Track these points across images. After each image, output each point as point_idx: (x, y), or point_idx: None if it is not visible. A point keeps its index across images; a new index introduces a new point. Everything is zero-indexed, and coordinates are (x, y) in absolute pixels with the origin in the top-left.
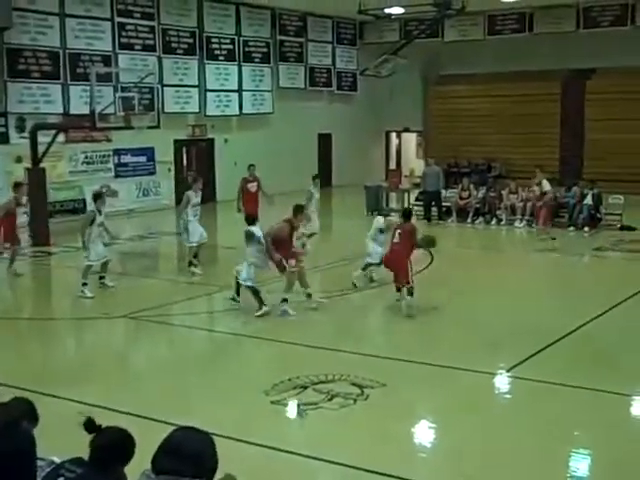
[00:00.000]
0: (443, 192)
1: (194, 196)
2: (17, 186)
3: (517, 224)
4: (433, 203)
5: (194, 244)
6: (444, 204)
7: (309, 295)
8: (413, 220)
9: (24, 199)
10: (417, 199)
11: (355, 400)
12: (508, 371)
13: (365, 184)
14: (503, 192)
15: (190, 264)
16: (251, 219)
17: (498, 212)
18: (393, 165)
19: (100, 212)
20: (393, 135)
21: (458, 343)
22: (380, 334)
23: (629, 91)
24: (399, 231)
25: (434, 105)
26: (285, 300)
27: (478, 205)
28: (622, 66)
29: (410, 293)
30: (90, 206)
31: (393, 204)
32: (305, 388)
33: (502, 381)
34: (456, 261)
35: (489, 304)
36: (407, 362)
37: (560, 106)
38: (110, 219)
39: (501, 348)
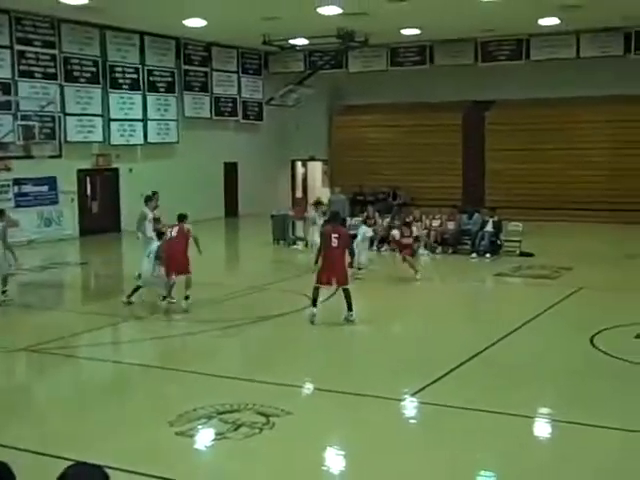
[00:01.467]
0: (348, 220)
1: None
2: None
3: (421, 251)
4: None
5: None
6: (349, 232)
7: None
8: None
9: None
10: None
11: (261, 429)
12: (412, 396)
13: (271, 213)
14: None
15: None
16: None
17: None
18: (299, 194)
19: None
20: (299, 164)
21: (363, 370)
22: (288, 361)
23: (526, 122)
24: (336, 235)
25: (339, 134)
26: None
27: (383, 233)
28: (519, 98)
29: (349, 302)
30: None
31: (299, 232)
32: (210, 418)
33: (407, 406)
34: (362, 289)
35: (394, 330)
36: (314, 390)
37: (461, 136)
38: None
39: (406, 373)
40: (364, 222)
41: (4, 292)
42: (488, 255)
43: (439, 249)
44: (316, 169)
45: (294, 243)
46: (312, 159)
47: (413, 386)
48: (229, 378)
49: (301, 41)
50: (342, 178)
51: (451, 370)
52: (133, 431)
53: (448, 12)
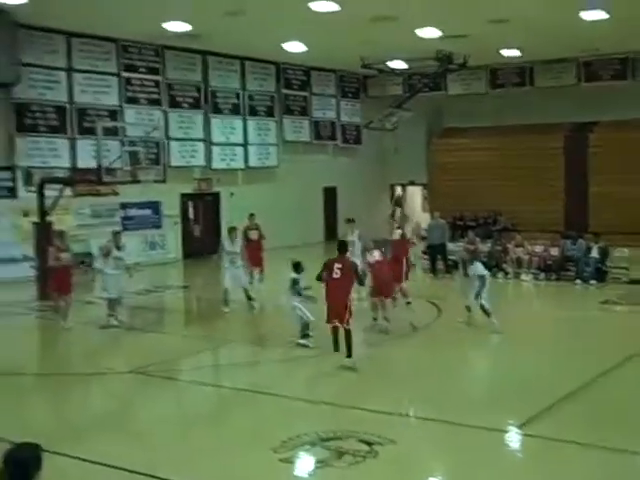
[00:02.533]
0: (449, 245)
1: (229, 244)
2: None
3: (523, 277)
4: (439, 256)
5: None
6: (450, 257)
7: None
8: (419, 272)
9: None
10: (423, 252)
11: (364, 457)
12: (518, 427)
13: (372, 238)
14: (509, 245)
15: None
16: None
17: (504, 265)
18: None
19: (119, 248)
20: (398, 188)
21: (464, 397)
22: (388, 388)
23: (631, 144)
24: (339, 266)
25: (438, 158)
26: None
27: (485, 258)
28: (624, 119)
29: (349, 346)
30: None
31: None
32: (313, 445)
33: (512, 438)
34: (462, 314)
35: (493, 357)
36: (414, 418)
37: (563, 159)
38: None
39: (507, 403)
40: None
41: (112, 315)
42: (593, 282)
43: (542, 275)
44: (415, 193)
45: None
46: (411, 183)
47: (518, 417)
48: (329, 404)
49: (399, 64)
50: (441, 202)
51: (556, 402)
52: (236, 455)
53: (550, 32)
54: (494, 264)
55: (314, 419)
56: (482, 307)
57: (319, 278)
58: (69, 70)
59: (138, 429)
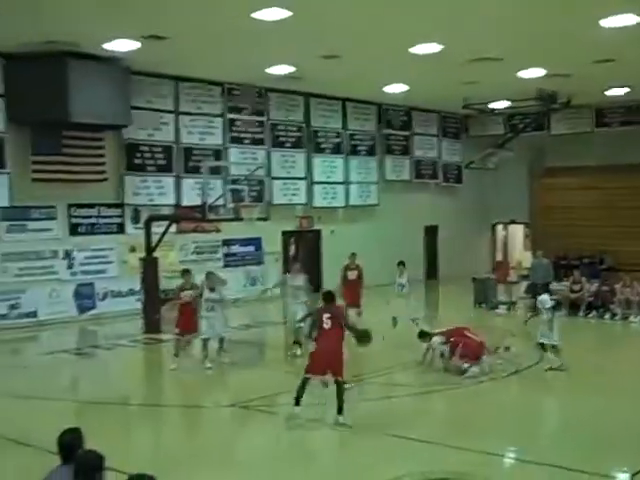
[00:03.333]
0: (554, 284)
1: (290, 278)
2: (185, 273)
3: (632, 318)
4: None
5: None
6: (553, 297)
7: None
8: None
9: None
10: (526, 291)
11: None
12: (631, 476)
13: (473, 276)
14: (617, 286)
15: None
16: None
17: (612, 306)
18: (500, 257)
19: (212, 290)
20: (500, 227)
21: (572, 442)
22: (492, 428)
23: None
24: (328, 315)
25: (541, 197)
26: None
27: (591, 299)
28: None
29: (340, 402)
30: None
31: (501, 296)
32: None
33: None
34: (568, 358)
35: (602, 403)
36: (521, 461)
37: None
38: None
39: (616, 450)
40: (570, 288)
41: (206, 357)
42: None
43: None
44: (517, 232)
45: (496, 307)
46: (513, 222)
47: (628, 464)
48: (432, 443)
49: (501, 104)
50: (544, 241)
51: None
52: None
53: None
54: (600, 304)
55: (416, 458)
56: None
57: (310, 335)
58: (176, 112)
59: (239, 462)
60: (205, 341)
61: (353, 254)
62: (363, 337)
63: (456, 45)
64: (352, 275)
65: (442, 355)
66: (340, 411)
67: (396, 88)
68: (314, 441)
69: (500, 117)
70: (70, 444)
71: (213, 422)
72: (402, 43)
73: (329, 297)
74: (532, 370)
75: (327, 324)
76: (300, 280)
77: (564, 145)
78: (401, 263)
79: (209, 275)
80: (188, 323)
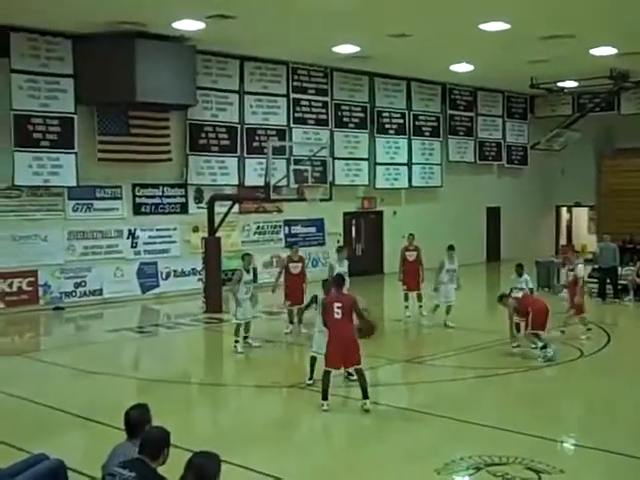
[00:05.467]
0: (619, 269)
1: (338, 265)
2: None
3: None
4: (608, 280)
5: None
6: (620, 282)
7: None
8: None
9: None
10: (591, 276)
11: None
12: None
13: (536, 259)
14: None
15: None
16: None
17: None
18: (563, 240)
19: (248, 271)
20: (564, 210)
21: (635, 428)
22: (550, 414)
23: None
24: (338, 304)
25: (608, 179)
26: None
27: None
28: None
29: (364, 388)
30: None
31: (563, 280)
32: (478, 470)
33: None
34: (635, 344)
35: None
36: (584, 447)
37: None
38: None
39: None
40: (637, 272)
41: (245, 338)
42: None
43: None
44: (581, 215)
45: (560, 291)
46: (578, 205)
47: None
48: (492, 428)
49: (570, 83)
50: (610, 225)
51: None
52: (399, 476)
53: None
54: None
55: (477, 442)
56: None
57: (324, 324)
58: (241, 92)
59: (299, 441)
60: (246, 324)
61: (411, 235)
62: (366, 331)
63: (526, 22)
64: (411, 257)
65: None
66: (365, 395)
67: (462, 67)
68: (373, 422)
69: (568, 97)
70: (137, 420)
71: (274, 402)
72: (471, 19)
73: (340, 282)
74: (598, 355)
75: (338, 314)
76: (345, 266)
77: (634, 125)
78: (451, 247)
79: (246, 256)
80: (293, 294)
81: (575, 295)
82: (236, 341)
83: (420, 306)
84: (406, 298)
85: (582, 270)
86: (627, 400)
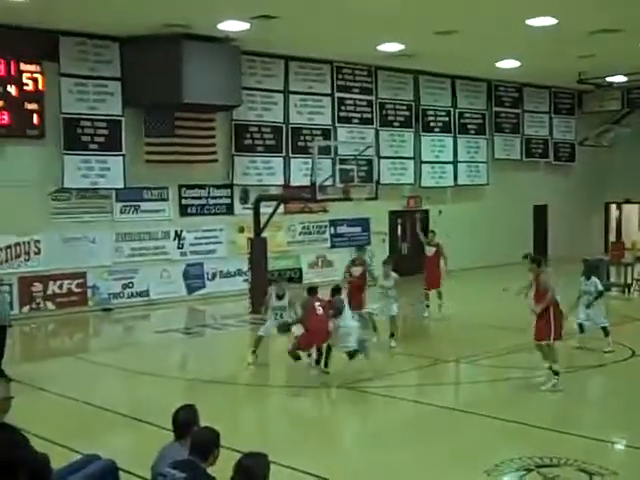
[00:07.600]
0: None
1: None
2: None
3: None
4: None
5: None
6: None
7: None
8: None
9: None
10: None
11: None
12: None
13: (584, 257)
14: None
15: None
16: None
17: None
18: (613, 237)
19: (279, 297)
20: (613, 206)
21: None
22: (604, 415)
23: None
24: (317, 303)
25: None
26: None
27: None
28: None
29: (327, 359)
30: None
31: (613, 278)
32: (529, 471)
33: None
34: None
35: None
36: (634, 449)
37: None
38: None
39: None
40: None
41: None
42: None
43: None
44: (632, 212)
45: (609, 289)
46: (627, 202)
47: None
48: (542, 429)
49: (619, 78)
50: None
51: None
52: (446, 476)
53: None
54: None
55: (526, 443)
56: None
57: (284, 330)
58: (286, 92)
59: (344, 442)
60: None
61: (432, 231)
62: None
63: (574, 16)
64: (429, 252)
65: None
66: (326, 365)
67: (508, 64)
68: (420, 423)
69: (617, 92)
70: (186, 421)
71: (320, 403)
72: (519, 15)
73: (312, 291)
74: None
75: (319, 310)
76: (391, 281)
77: None
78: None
79: (274, 283)
80: (353, 298)
81: None
82: (253, 351)
83: (440, 305)
84: (426, 297)
85: None
86: None
